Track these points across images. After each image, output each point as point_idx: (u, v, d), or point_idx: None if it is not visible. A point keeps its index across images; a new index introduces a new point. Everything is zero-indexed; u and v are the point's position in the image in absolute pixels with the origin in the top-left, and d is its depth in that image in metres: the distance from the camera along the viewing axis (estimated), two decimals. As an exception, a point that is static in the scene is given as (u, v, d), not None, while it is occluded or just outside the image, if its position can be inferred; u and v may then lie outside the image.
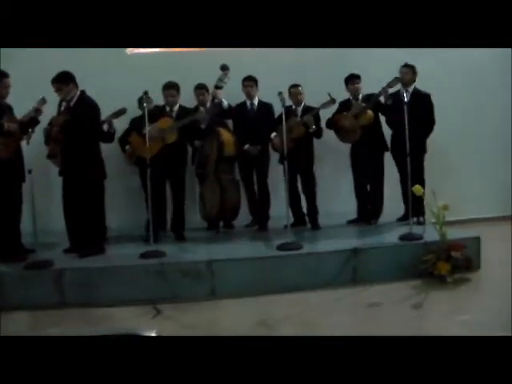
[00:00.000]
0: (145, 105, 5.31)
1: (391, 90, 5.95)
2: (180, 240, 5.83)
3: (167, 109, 6.00)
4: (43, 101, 5.21)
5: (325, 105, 6.02)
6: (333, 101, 6.00)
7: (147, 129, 5.32)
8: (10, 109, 5.30)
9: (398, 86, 6.03)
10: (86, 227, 5.28)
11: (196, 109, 6.26)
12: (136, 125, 5.83)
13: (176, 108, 6.03)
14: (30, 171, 4.95)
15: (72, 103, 5.29)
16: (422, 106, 6.05)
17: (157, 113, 5.76)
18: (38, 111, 5.21)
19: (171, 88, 6.00)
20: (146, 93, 5.39)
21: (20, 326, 4.30)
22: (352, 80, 6.24)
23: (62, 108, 5.32)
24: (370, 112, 6.02)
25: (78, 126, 5.17)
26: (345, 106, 6.29)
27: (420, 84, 6.20)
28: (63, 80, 5.26)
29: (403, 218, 6.17)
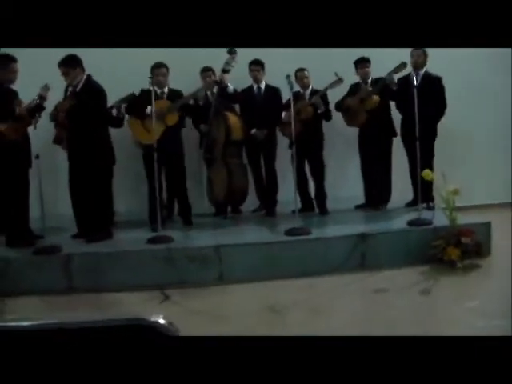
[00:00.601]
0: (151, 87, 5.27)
1: (400, 75, 5.87)
2: (187, 225, 5.78)
3: (158, 91, 5.63)
4: (47, 87, 5.18)
5: (332, 84, 5.96)
6: (340, 80, 5.93)
7: (152, 110, 5.25)
8: (16, 94, 5.27)
9: (408, 70, 5.95)
10: (94, 212, 5.27)
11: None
12: (131, 109, 5.66)
13: (166, 90, 5.76)
14: (37, 156, 4.93)
15: (78, 88, 5.25)
16: (433, 89, 5.95)
17: (146, 97, 5.40)
18: (42, 98, 5.17)
19: (161, 67, 5.71)
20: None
21: (28, 311, 4.31)
22: (361, 63, 6.16)
23: (68, 93, 5.29)
24: (376, 97, 5.95)
25: (84, 110, 5.13)
26: (354, 89, 6.23)
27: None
28: (70, 64, 5.21)
29: (412, 204, 6.11)
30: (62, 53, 5.20)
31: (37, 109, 5.15)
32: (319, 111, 6.02)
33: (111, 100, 5.49)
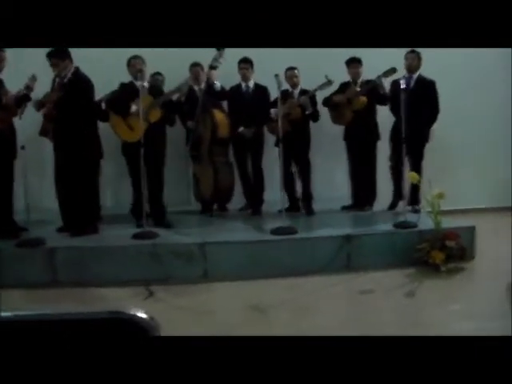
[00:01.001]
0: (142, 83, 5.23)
1: (394, 77, 5.89)
2: (159, 226, 5.37)
3: (137, 84, 5.37)
4: (34, 78, 5.14)
5: (321, 86, 5.96)
6: (329, 82, 5.93)
7: (140, 107, 5.13)
8: (2, 83, 5.21)
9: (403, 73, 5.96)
10: (79, 206, 5.21)
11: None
12: (113, 105, 5.51)
13: (146, 84, 5.51)
14: (22, 147, 4.89)
15: (66, 79, 5.19)
16: (427, 93, 5.98)
17: (128, 91, 5.32)
18: (28, 88, 5.14)
19: (138, 57, 5.42)
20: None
21: (11, 304, 4.26)
22: (352, 63, 6.17)
23: (56, 84, 5.24)
24: (363, 98, 5.97)
25: (72, 102, 5.08)
26: (343, 87, 6.24)
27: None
28: (60, 55, 5.15)
29: (391, 207, 6.16)
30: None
31: (23, 99, 5.12)
32: (307, 112, 6.03)
33: (100, 93, 5.46)
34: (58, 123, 5.21)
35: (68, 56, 5.21)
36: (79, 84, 5.19)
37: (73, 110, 5.10)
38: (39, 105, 5.36)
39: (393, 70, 5.80)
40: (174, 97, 5.65)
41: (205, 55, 5.85)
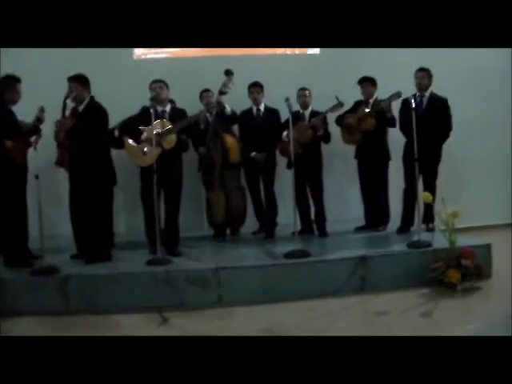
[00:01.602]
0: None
1: (405, 96, 5.88)
2: (172, 255, 5.28)
3: (158, 110, 5.40)
4: (42, 110, 5.26)
5: (332, 108, 5.98)
6: (340, 104, 5.95)
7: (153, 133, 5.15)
8: (14, 115, 5.27)
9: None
10: (93, 234, 5.23)
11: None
12: (128, 129, 5.49)
13: (167, 109, 5.52)
14: (36, 176, 4.93)
15: (81, 108, 5.26)
16: (439, 111, 5.93)
17: (146, 114, 5.27)
18: (39, 120, 5.27)
19: (159, 81, 5.47)
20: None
21: (25, 332, 4.27)
22: (364, 83, 6.19)
23: (68, 110, 5.30)
24: (371, 119, 5.97)
25: (86, 130, 5.12)
26: (357, 106, 6.24)
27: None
28: (81, 80, 5.25)
29: (401, 230, 6.07)
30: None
31: (34, 131, 5.24)
32: (318, 133, 6.03)
33: (113, 121, 5.51)
34: (72, 151, 5.25)
35: (88, 84, 5.30)
36: (94, 113, 5.23)
37: (88, 137, 5.13)
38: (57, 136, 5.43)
39: (398, 95, 5.78)
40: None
41: (214, 81, 5.93)
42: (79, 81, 5.24)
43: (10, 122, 5.13)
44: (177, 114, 5.47)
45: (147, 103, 5.37)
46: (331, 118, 6.23)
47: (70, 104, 5.33)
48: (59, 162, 5.72)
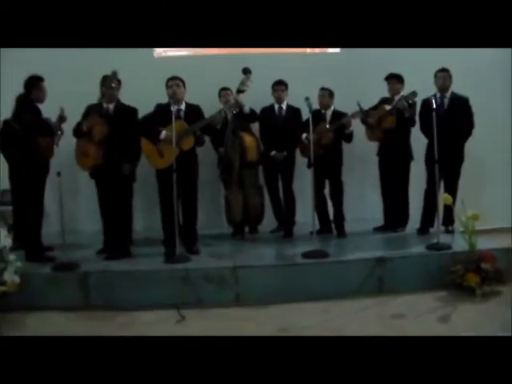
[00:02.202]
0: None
1: (424, 97, 5.85)
2: (191, 253, 5.33)
3: (173, 108, 5.23)
4: (63, 110, 5.39)
5: (354, 115, 5.97)
6: (361, 111, 5.92)
7: (173, 135, 5.09)
8: (40, 112, 5.39)
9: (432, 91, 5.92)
10: (116, 230, 5.39)
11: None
12: (143, 130, 5.44)
13: (183, 107, 5.45)
14: (58, 173, 4.99)
15: (111, 110, 5.42)
16: (462, 111, 5.88)
17: (163, 112, 5.26)
18: (62, 118, 5.41)
19: (176, 79, 5.41)
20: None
21: (45, 327, 4.34)
22: (390, 79, 6.16)
23: (101, 113, 5.40)
24: (391, 117, 5.94)
25: (121, 131, 5.28)
26: (382, 102, 6.21)
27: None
28: (118, 80, 5.48)
29: (420, 231, 6.05)
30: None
31: (59, 128, 5.44)
32: (346, 131, 6.03)
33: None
34: (108, 151, 5.33)
35: (120, 83, 5.54)
36: (127, 112, 5.44)
37: (122, 137, 5.30)
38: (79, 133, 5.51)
39: (413, 94, 5.76)
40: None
41: (232, 79, 5.94)
42: (118, 81, 5.48)
43: (39, 119, 5.30)
44: (193, 112, 5.44)
45: (164, 101, 5.42)
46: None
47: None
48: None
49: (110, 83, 5.33)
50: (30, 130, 5.20)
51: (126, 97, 5.62)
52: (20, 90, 5.42)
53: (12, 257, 4.60)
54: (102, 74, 5.55)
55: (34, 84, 5.33)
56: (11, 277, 4.50)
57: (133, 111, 5.49)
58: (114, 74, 5.28)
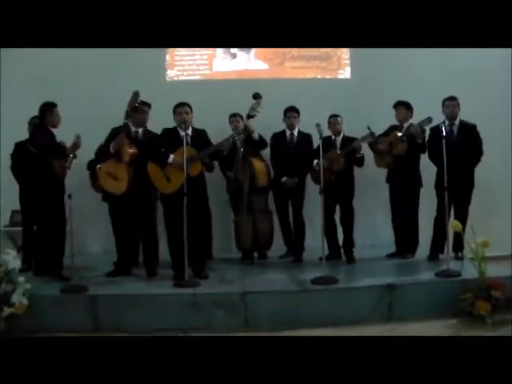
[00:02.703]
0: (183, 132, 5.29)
1: (434, 124, 5.87)
2: (200, 278, 5.25)
3: (181, 134, 5.25)
4: (79, 137, 5.48)
5: (364, 138, 5.97)
6: (372, 135, 5.92)
7: (184, 159, 5.05)
8: (54, 136, 5.54)
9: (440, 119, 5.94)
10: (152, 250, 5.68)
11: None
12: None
13: (190, 132, 5.41)
14: (69, 196, 5.03)
15: (140, 135, 5.52)
16: (470, 138, 5.92)
17: (171, 137, 5.33)
18: (76, 146, 5.50)
19: (184, 105, 5.41)
20: None
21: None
22: (398, 107, 6.20)
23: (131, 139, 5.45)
24: (402, 144, 5.96)
25: (146, 156, 5.38)
26: (391, 130, 6.24)
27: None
28: (148, 104, 5.61)
29: (430, 258, 6.03)
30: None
31: (72, 153, 5.52)
32: (357, 155, 6.03)
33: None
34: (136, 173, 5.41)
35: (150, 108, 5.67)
36: (154, 138, 5.54)
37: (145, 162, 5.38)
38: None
39: (429, 120, 5.78)
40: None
41: (243, 106, 5.98)
42: (149, 106, 5.60)
43: (53, 143, 5.45)
44: (199, 137, 5.45)
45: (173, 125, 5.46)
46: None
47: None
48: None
49: (133, 103, 5.37)
50: (45, 153, 5.36)
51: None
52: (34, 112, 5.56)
53: (21, 279, 4.62)
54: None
55: (47, 110, 5.51)
56: (19, 298, 4.51)
57: (205, 137, 5.54)
58: (136, 94, 5.33)
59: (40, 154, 5.37)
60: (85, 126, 5.66)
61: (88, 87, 6.82)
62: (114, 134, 5.42)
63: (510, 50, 6.69)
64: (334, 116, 6.28)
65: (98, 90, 6.73)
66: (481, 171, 6.09)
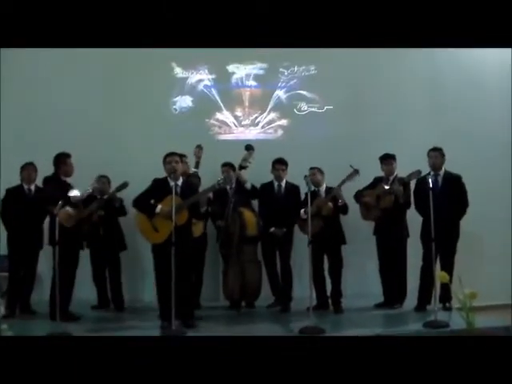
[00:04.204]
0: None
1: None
2: (188, 327, 5.18)
3: (171, 183, 5.21)
4: (95, 188, 5.90)
5: (349, 177, 5.99)
6: (356, 172, 5.96)
7: (173, 209, 4.99)
8: (71, 186, 5.76)
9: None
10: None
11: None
12: (138, 204, 5.40)
13: (179, 182, 5.33)
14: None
15: (179, 187, 5.30)
16: (455, 189, 6.01)
17: (160, 187, 5.31)
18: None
19: (174, 155, 5.37)
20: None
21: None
22: (386, 160, 6.30)
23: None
24: (390, 196, 6.05)
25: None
26: (376, 182, 6.32)
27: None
28: (180, 155, 5.57)
29: (418, 309, 6.02)
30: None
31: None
32: (339, 203, 6.05)
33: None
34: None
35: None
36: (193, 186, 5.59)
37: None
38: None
39: (418, 173, 5.89)
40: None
41: (235, 155, 6.07)
42: (181, 155, 5.62)
43: (63, 193, 5.56)
44: (189, 187, 5.45)
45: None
46: (348, 189, 6.22)
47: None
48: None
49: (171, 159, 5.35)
50: (46, 202, 5.66)
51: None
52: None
53: (4, 326, 4.56)
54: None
55: (61, 160, 5.81)
56: (2, 346, 4.45)
57: (195, 187, 5.60)
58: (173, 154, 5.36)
59: (41, 205, 5.71)
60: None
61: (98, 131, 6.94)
62: (158, 186, 5.40)
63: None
64: (311, 168, 6.30)
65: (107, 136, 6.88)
66: (468, 220, 6.16)
